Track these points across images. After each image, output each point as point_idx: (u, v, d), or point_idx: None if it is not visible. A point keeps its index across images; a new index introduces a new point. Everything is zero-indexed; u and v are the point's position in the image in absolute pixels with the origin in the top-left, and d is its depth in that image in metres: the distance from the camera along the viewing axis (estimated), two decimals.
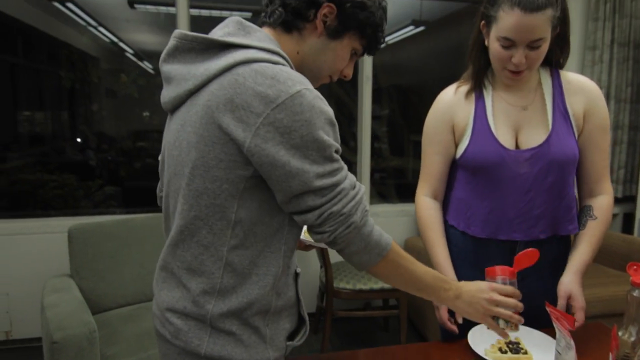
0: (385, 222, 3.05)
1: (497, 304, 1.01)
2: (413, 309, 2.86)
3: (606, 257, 2.83)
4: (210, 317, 0.84)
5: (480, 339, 1.16)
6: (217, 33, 0.86)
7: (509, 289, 1.04)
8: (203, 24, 2.91)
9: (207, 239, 0.82)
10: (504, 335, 1.04)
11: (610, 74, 3.13)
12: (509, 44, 1.11)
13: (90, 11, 2.88)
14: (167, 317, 0.88)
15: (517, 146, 1.21)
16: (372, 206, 3.17)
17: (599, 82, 3.09)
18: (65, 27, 2.97)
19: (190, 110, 0.82)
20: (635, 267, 0.91)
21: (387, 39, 3.51)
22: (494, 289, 1.03)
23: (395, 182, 3.64)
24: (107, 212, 2.99)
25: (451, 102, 1.28)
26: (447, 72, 3.53)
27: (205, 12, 3.01)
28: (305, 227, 1.03)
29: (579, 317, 1.14)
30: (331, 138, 0.80)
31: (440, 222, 1.33)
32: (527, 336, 1.19)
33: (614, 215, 3.41)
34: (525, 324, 1.22)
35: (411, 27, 3.54)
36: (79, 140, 3.12)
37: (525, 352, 1.13)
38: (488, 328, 1.05)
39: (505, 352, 1.13)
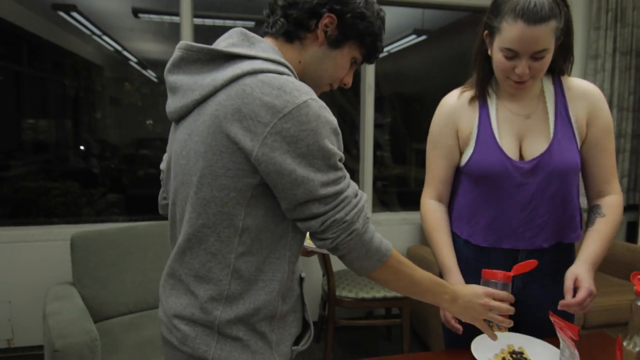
0: (387, 231, 3.04)
1: (491, 308, 1.06)
2: (416, 318, 2.85)
3: (610, 266, 2.82)
4: (217, 323, 0.85)
5: (484, 348, 1.15)
6: (222, 44, 0.87)
7: (503, 294, 1.08)
8: (206, 33, 2.93)
9: (215, 246, 0.84)
10: (493, 336, 1.10)
11: (613, 83, 3.13)
12: (512, 54, 1.11)
13: (95, 20, 2.91)
14: (175, 324, 0.89)
15: (520, 155, 1.22)
16: (375, 214, 3.17)
17: (601, 91, 3.09)
18: (70, 36, 2.99)
19: (198, 120, 0.83)
20: (639, 276, 0.91)
21: (389, 47, 3.53)
22: (488, 294, 1.06)
23: (397, 190, 3.63)
24: (110, 219, 2.99)
25: (455, 106, 1.28)
26: (449, 81, 3.53)
27: (208, 22, 3.04)
28: (307, 234, 1.04)
29: (581, 294, 1.10)
30: (335, 147, 0.82)
31: (446, 224, 1.32)
32: (531, 346, 1.18)
33: None
34: (529, 332, 1.21)
35: (413, 36, 3.56)
36: (82, 148, 3.13)
37: None
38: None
39: None
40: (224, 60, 0.83)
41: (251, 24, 3.15)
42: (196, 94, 0.83)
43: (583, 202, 1.32)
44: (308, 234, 0.99)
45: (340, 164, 0.84)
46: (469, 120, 1.26)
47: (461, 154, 1.28)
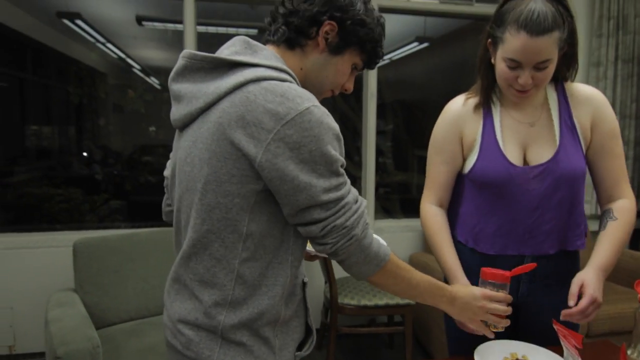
0: (389, 238, 3.03)
1: (488, 310, 1.07)
2: (418, 326, 2.83)
3: (613, 274, 2.80)
4: (221, 328, 0.86)
5: (487, 356, 1.15)
6: (225, 52, 0.88)
7: (501, 295, 1.09)
8: (209, 41, 2.95)
9: (220, 252, 0.85)
10: (490, 334, 1.11)
11: (615, 90, 3.13)
12: (515, 65, 1.11)
13: (99, 28, 2.94)
14: (179, 328, 0.89)
15: (525, 163, 1.21)
16: (377, 221, 3.17)
17: None
18: (74, 43, 3.02)
19: (202, 127, 0.84)
20: None
21: (391, 55, 3.54)
22: (486, 296, 1.08)
23: (399, 197, 3.63)
24: (112, 226, 3.00)
25: (460, 112, 1.28)
26: (451, 88, 3.55)
27: (212, 29, 3.06)
28: None
29: (583, 302, 1.09)
30: (338, 152, 0.83)
31: (447, 227, 1.32)
32: (534, 354, 1.17)
33: None
34: (534, 339, 1.21)
35: (415, 44, 3.57)
36: (85, 154, 3.15)
37: None
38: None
39: None
40: (227, 68, 0.84)
41: (254, 31, 3.16)
42: (200, 101, 0.84)
43: (587, 209, 1.32)
44: None
45: (342, 170, 0.85)
46: (474, 127, 1.26)
47: (464, 160, 1.28)
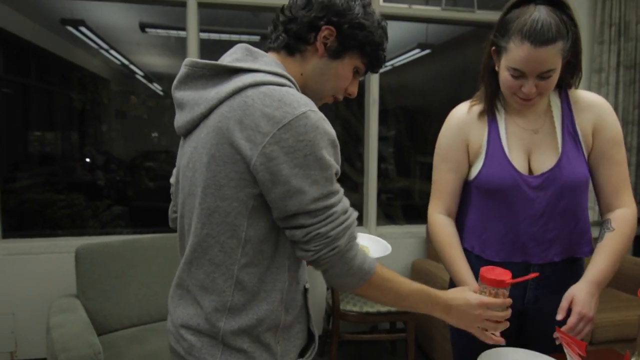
0: (391, 244, 3.01)
1: (486, 318, 1.04)
2: (421, 333, 2.82)
3: (617, 281, 2.79)
4: (222, 334, 0.86)
5: None
6: (226, 59, 0.90)
7: (498, 302, 1.04)
8: (212, 48, 2.96)
9: (219, 257, 0.85)
10: (490, 340, 1.07)
11: (617, 97, 3.13)
12: (519, 74, 1.11)
13: (103, 35, 2.95)
14: (182, 334, 0.90)
15: (529, 170, 1.21)
16: (379, 227, 3.16)
17: None
18: (78, 49, 3.03)
19: (202, 133, 0.85)
20: None
21: (393, 61, 3.55)
22: (482, 304, 1.03)
23: (401, 203, 3.63)
24: (115, 232, 3.00)
25: (465, 119, 1.28)
26: (452, 94, 3.56)
27: (214, 36, 3.07)
28: None
29: (571, 320, 1.09)
30: (333, 159, 0.83)
31: (457, 237, 1.30)
32: None
33: None
34: (539, 346, 1.19)
35: (417, 50, 3.58)
36: (88, 160, 3.15)
37: None
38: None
39: None
40: (228, 74, 0.85)
41: (256, 38, 3.18)
42: (201, 107, 0.86)
43: (590, 215, 1.31)
44: None
45: (335, 178, 0.84)
46: (479, 134, 1.26)
47: (470, 167, 1.28)
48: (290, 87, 0.84)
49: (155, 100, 3.16)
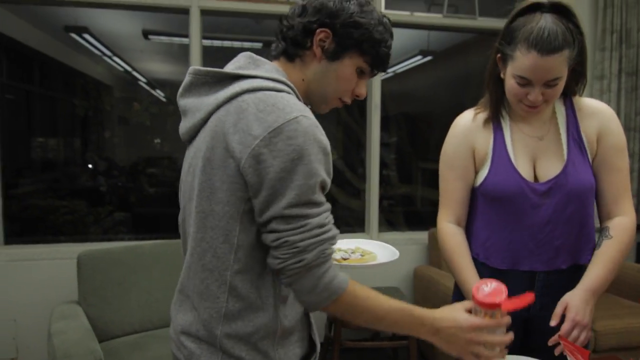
0: None
1: (479, 343, 0.90)
2: (423, 340, 2.80)
3: (620, 288, 2.77)
4: (219, 341, 0.86)
5: None
6: (229, 67, 0.92)
7: (493, 323, 0.90)
8: (215, 55, 2.98)
9: (212, 262, 0.85)
10: None
11: (619, 103, 3.14)
12: (525, 82, 1.11)
13: (106, 42, 2.97)
14: (182, 341, 0.90)
15: (534, 177, 1.21)
16: (381, 234, 3.16)
17: None
18: (81, 56, 3.05)
19: (201, 137, 0.87)
20: None
21: (395, 68, 3.56)
22: (474, 327, 0.89)
23: (403, 210, 3.62)
24: (116, 238, 3.00)
25: (470, 127, 1.28)
26: (454, 101, 3.57)
27: (217, 43, 3.08)
28: None
29: (564, 327, 1.09)
30: (322, 167, 0.81)
31: (467, 247, 1.29)
32: None
33: None
34: (544, 354, 1.18)
35: (419, 57, 3.59)
36: (90, 166, 3.16)
37: None
38: None
39: None
40: (229, 81, 0.87)
41: (258, 45, 3.19)
42: (201, 113, 0.87)
43: (596, 222, 1.31)
44: None
45: (319, 188, 0.81)
46: (485, 141, 1.26)
47: (475, 174, 1.28)
48: (288, 93, 0.85)
49: (157, 106, 3.17)
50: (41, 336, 2.54)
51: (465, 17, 3.09)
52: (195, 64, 2.67)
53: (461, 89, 3.58)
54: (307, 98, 0.96)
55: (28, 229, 2.91)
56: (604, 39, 3.10)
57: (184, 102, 0.93)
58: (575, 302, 1.11)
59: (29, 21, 2.84)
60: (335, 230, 0.84)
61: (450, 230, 1.30)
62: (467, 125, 1.28)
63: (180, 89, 0.94)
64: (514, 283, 1.23)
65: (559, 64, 1.07)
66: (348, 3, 0.89)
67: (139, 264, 2.33)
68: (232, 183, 0.81)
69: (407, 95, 3.71)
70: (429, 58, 3.61)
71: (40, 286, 2.61)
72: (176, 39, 3.10)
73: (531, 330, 1.28)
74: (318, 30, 0.89)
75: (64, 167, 3.17)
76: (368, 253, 1.25)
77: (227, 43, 3.13)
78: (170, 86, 3.11)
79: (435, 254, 2.91)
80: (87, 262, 2.22)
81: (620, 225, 1.20)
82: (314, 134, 0.79)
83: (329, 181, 0.84)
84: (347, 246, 1.20)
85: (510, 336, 0.91)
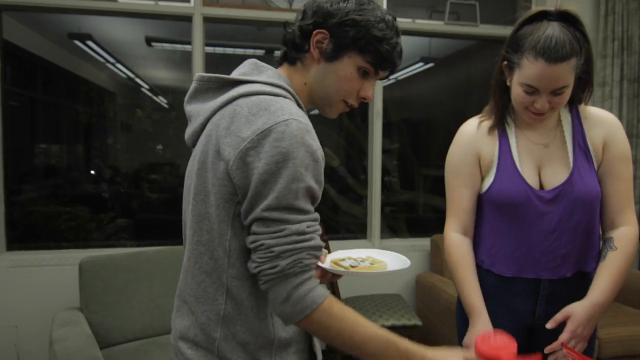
0: None
1: None
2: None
3: (625, 296, 2.75)
4: (217, 345, 0.85)
5: None
6: (235, 73, 0.93)
7: None
8: (217, 61, 2.99)
9: (209, 265, 0.85)
10: None
11: (621, 110, 3.13)
12: (532, 90, 1.11)
13: (109, 49, 2.99)
14: (180, 347, 0.89)
15: (540, 184, 1.21)
16: (383, 240, 3.15)
17: None
18: (85, 63, 3.07)
19: (199, 141, 0.89)
20: None
21: (397, 74, 3.57)
22: None
23: (405, 216, 3.61)
24: (118, 244, 3.00)
25: (476, 134, 1.28)
26: (456, 107, 3.57)
27: (219, 50, 3.10)
28: (331, 257, 1.02)
29: (562, 336, 1.09)
30: (308, 173, 0.78)
31: (472, 259, 1.27)
32: None
33: None
34: None
35: (421, 64, 3.60)
36: (92, 172, 3.17)
37: None
38: None
39: None
40: (230, 87, 0.88)
41: (261, 52, 3.21)
42: (201, 117, 0.89)
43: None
44: (327, 256, 0.98)
45: (304, 195, 0.78)
46: (490, 148, 1.25)
47: (481, 180, 1.28)
48: (286, 97, 0.85)
49: (160, 113, 3.18)
50: (43, 343, 2.54)
51: (466, 24, 3.10)
52: (198, 71, 2.68)
53: (463, 96, 3.58)
54: (312, 102, 0.96)
55: (30, 235, 2.91)
56: (605, 46, 3.10)
57: (189, 107, 0.94)
58: (580, 316, 1.11)
59: (32, 28, 2.86)
60: (318, 241, 0.80)
61: (455, 240, 1.29)
62: (472, 133, 1.28)
63: (187, 96, 0.96)
64: (519, 290, 1.22)
65: (566, 73, 1.07)
66: (345, 3, 0.88)
67: (141, 270, 2.33)
68: (221, 186, 0.81)
69: (409, 101, 3.72)
70: (430, 65, 3.62)
71: (42, 292, 2.60)
72: (179, 46, 3.12)
73: (535, 338, 1.27)
74: (315, 32, 0.89)
75: (66, 174, 3.17)
76: (378, 262, 1.25)
77: (229, 50, 3.14)
78: (173, 93, 3.12)
79: (437, 260, 2.90)
80: (89, 269, 2.21)
81: (624, 235, 1.19)
82: (303, 137, 0.77)
83: (317, 188, 0.80)
84: (357, 255, 1.20)
85: None
